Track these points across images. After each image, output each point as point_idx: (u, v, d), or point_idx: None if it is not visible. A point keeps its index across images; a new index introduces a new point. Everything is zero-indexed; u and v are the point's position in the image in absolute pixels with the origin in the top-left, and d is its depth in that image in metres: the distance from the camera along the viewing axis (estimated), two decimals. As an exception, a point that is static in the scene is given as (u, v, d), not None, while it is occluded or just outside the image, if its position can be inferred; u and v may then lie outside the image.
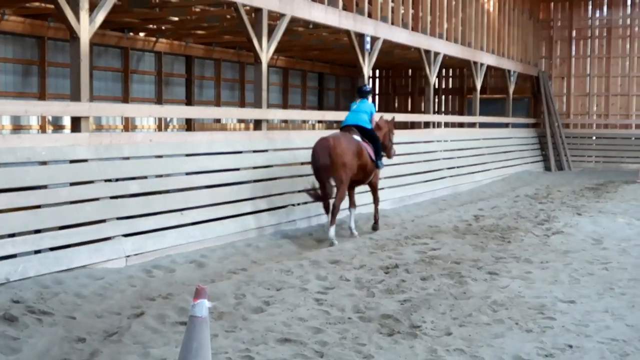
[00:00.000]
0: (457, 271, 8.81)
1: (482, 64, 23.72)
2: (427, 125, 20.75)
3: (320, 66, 27.29)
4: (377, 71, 31.99)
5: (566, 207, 15.55)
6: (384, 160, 13.20)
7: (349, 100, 29.82)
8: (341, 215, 12.71)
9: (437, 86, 30.57)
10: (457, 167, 20.41)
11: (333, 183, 11.68)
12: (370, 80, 31.25)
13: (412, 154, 18.12)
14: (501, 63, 25.58)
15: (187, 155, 11.21)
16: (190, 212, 10.57)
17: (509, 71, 26.41)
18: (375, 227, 12.81)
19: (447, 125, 23.04)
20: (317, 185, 11.78)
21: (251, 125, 20.09)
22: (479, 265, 9.24)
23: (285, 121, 24.27)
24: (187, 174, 11.17)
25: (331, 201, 11.76)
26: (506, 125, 26.75)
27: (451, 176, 19.54)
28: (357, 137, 12.05)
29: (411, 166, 17.75)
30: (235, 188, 11.71)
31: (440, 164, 19.39)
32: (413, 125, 27.17)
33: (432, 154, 19.35)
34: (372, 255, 9.93)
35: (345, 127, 12.34)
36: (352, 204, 12.53)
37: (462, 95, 30.79)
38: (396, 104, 31.86)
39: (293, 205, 12.70)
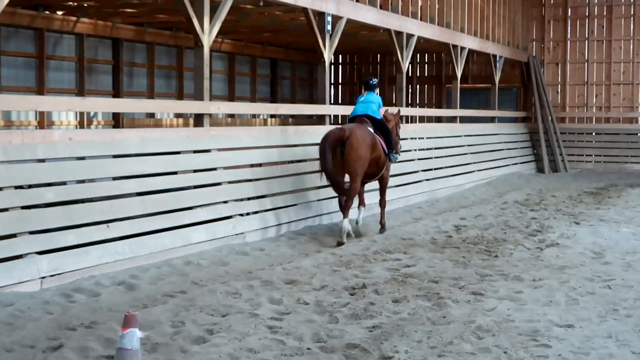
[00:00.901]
0: (435, 291, 8.83)
1: (462, 48, 23.87)
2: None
3: (272, 51, 27.28)
4: (340, 56, 32.06)
5: (562, 215, 15.69)
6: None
7: (306, 90, 29.91)
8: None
9: (410, 74, 30.71)
10: (435, 169, 20.49)
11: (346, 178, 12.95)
12: (332, 67, 31.35)
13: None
14: (485, 47, 25.78)
15: (115, 156, 11.10)
16: (118, 224, 10.47)
17: (494, 56, 26.61)
18: (382, 232, 13.59)
19: (422, 119, 23.18)
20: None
21: (191, 121, 19.99)
22: (461, 284, 9.28)
23: (232, 116, 24.19)
24: (115, 179, 11.06)
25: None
26: (492, 119, 26.95)
27: (427, 180, 19.62)
28: (370, 128, 13.34)
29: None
30: (172, 195, 11.63)
31: (414, 166, 19.46)
32: (383, 120, 27.21)
33: (405, 153, 19.38)
34: (335, 273, 9.92)
35: (355, 118, 13.63)
36: (361, 202, 13.91)
37: (440, 84, 30.96)
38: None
39: (241, 215, 12.65)
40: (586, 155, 29.43)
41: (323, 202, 14.66)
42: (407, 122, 20.79)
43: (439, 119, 25.01)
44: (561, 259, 10.94)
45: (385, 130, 13.67)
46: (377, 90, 14.23)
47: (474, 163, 23.13)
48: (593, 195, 19.63)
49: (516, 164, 26.79)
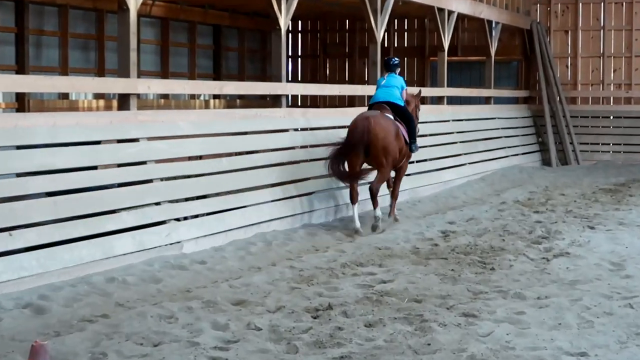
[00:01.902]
0: (417, 313, 8.85)
1: (450, 12, 23.89)
2: (372, 101, 20.81)
3: (215, 16, 27.19)
4: (299, 23, 32.02)
5: (573, 217, 15.78)
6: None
7: (258, 65, 29.85)
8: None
9: (386, 45, 30.74)
10: (416, 161, 20.52)
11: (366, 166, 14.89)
12: (289, 35, 31.33)
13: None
14: (478, 11, 25.84)
15: (19, 147, 11.01)
16: (24, 232, 10.41)
17: (489, 23, 26.68)
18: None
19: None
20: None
21: (114, 103, 19.87)
22: (450, 303, 9.31)
23: (166, 96, 24.10)
24: (19, 175, 10.97)
25: (359, 188, 15.02)
26: (487, 100, 27.03)
27: (408, 175, 19.64)
28: (391, 116, 15.30)
29: (350, 161, 17.77)
30: (91, 196, 11.56)
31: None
32: (352, 102, 27.18)
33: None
34: (294, 291, 9.91)
35: (375, 105, 15.52)
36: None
37: (423, 57, 31.02)
38: (327, 71, 31.93)
39: (178, 219, 12.61)
40: (602, 144, 29.53)
41: (278, 204, 14.65)
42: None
43: (421, 100, 25.04)
44: (572, 272, 11.01)
45: (408, 118, 15.64)
46: (399, 71, 16.25)
47: (465, 154, 23.19)
48: (611, 193, 19.77)
49: (517, 155, 26.91)
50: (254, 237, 13.55)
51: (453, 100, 24.84)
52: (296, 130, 16.44)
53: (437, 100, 24.03)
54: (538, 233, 13.99)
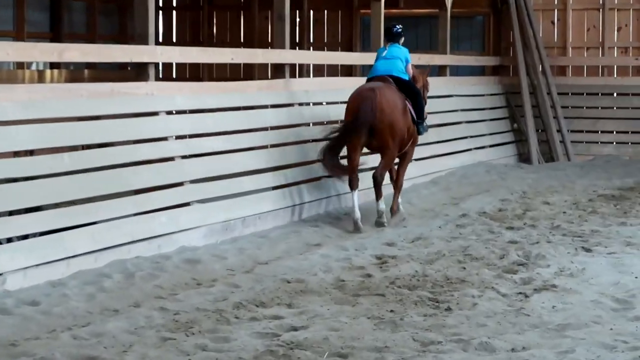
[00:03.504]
0: (342, 373, 8.88)
1: (389, -54, 24.05)
2: (277, 71, 20.80)
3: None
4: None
5: (562, 235, 15.92)
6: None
7: (114, 20, 29.85)
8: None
9: (298, -9, 30.84)
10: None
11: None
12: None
13: (246, 131, 18.05)
14: (428, -56, 26.04)
15: None
16: None
17: (444, -39, 26.90)
18: (393, 218, 17.86)
19: (320, 71, 23.19)
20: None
21: None
22: (388, 359, 9.33)
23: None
24: None
25: (359, 174, 17.53)
26: (440, 70, 27.15)
27: (329, 176, 19.62)
28: (397, 91, 17.78)
29: (244, 158, 17.67)
30: None
31: (305, 151, 19.43)
32: (248, 73, 27.23)
33: (288, 131, 19.37)
34: (165, 344, 9.88)
35: (376, 79, 18.03)
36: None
37: (351, 10, 31.15)
38: (214, 28, 31.96)
39: (28, 236, 12.52)
40: (603, 131, 29.72)
41: (144, 219, 14.56)
42: (291, 75, 20.70)
43: (349, 71, 25.12)
44: (561, 313, 11.09)
45: (415, 93, 18.21)
46: (403, 41, 18.65)
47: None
48: (615, 201, 19.97)
49: (483, 147, 27.11)
50: (109, 267, 13.44)
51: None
52: (170, 113, 16.33)
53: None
54: (513, 258, 14.09)
